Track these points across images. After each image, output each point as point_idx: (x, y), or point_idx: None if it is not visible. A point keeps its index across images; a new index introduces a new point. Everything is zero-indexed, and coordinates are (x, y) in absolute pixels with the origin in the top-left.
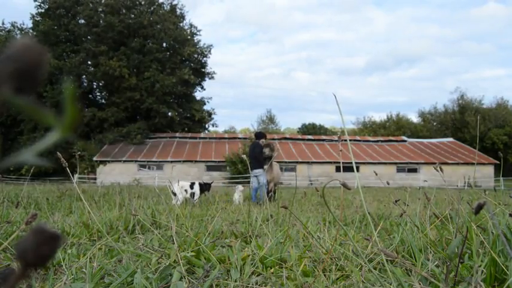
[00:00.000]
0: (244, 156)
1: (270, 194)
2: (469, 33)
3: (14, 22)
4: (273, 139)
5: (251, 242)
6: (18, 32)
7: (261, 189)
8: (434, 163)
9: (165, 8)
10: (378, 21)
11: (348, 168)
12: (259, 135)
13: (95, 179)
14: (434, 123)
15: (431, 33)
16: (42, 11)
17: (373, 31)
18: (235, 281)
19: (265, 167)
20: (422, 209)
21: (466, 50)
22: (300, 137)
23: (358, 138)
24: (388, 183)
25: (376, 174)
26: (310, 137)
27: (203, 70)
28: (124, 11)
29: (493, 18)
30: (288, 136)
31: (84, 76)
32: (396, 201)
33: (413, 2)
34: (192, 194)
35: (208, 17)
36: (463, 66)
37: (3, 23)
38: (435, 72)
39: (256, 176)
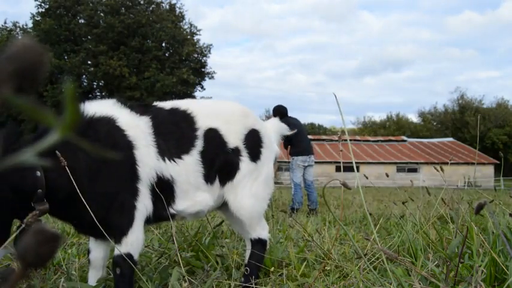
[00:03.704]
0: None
1: None
2: (453, 38)
3: (16, 22)
4: None
5: None
6: (19, 31)
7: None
8: (435, 163)
9: (164, 7)
10: (370, 26)
11: (348, 168)
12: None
13: None
14: (434, 123)
15: (421, 37)
16: (43, 10)
17: (366, 35)
18: (235, 281)
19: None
20: (423, 209)
21: (453, 54)
22: None
23: (358, 138)
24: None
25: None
26: (310, 136)
27: (203, 70)
28: (124, 10)
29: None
30: None
31: (84, 76)
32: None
33: (403, 8)
34: None
35: (209, 21)
36: (455, 68)
37: (5, 22)
38: (428, 75)
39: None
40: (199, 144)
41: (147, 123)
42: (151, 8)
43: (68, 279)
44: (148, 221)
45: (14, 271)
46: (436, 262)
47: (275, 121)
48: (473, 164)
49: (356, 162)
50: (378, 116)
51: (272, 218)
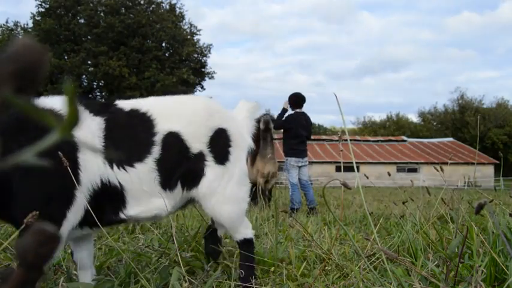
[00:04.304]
0: None
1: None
2: (453, 39)
3: (17, 21)
4: (274, 139)
5: None
6: (20, 31)
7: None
8: (435, 163)
9: (164, 8)
10: (370, 26)
11: (348, 168)
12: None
13: None
14: (434, 123)
15: (420, 37)
16: (43, 10)
17: (366, 36)
18: (235, 281)
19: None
20: (423, 209)
21: (453, 54)
22: None
23: (358, 138)
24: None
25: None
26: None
27: (203, 70)
28: (124, 10)
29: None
30: None
31: (84, 76)
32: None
33: (402, 8)
34: None
35: (209, 21)
36: (455, 68)
37: (6, 22)
38: (428, 75)
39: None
40: (156, 151)
41: (100, 124)
42: (151, 8)
43: (67, 279)
44: (92, 225)
45: (14, 271)
46: (436, 262)
47: (243, 106)
48: (473, 164)
49: (356, 162)
50: (378, 116)
51: (272, 218)
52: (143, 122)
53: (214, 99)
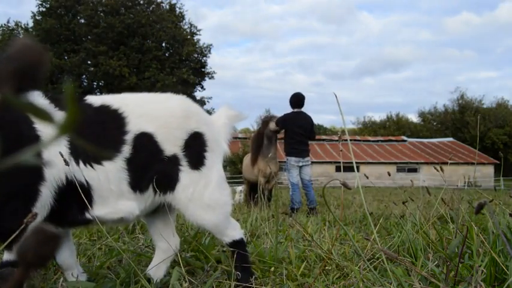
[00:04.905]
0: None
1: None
2: (452, 39)
3: (18, 21)
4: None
5: (251, 241)
6: (21, 31)
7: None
8: (435, 163)
9: (164, 8)
10: (369, 26)
11: (348, 168)
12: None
13: None
14: (434, 123)
15: (419, 37)
16: (44, 10)
17: (365, 36)
18: (235, 281)
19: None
20: (423, 209)
21: (452, 54)
22: None
23: (358, 138)
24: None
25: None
26: None
27: (203, 70)
28: (123, 10)
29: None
30: None
31: (84, 76)
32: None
33: (402, 9)
34: None
35: (209, 22)
36: (454, 68)
37: (8, 22)
38: (428, 75)
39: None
40: (126, 150)
41: None
42: (151, 8)
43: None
44: (57, 224)
45: (14, 271)
46: (436, 262)
47: (224, 113)
48: (473, 164)
49: (356, 162)
50: (378, 116)
51: (272, 218)
52: (114, 120)
53: (189, 101)
